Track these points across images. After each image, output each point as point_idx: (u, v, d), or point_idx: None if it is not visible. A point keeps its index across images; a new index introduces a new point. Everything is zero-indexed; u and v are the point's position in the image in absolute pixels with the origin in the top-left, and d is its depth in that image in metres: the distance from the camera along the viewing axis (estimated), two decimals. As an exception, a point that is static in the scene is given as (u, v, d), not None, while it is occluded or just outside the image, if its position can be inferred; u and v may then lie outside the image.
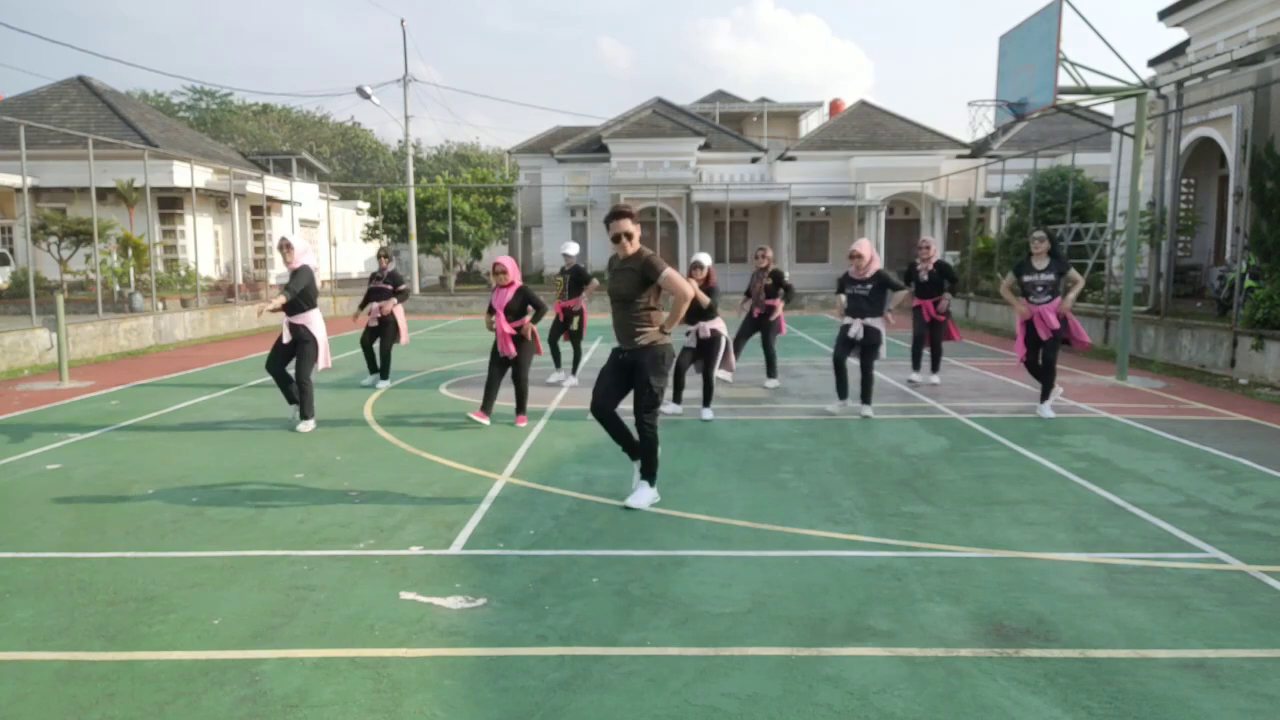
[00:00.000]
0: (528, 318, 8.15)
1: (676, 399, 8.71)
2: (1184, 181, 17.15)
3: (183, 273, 23.76)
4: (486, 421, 8.10)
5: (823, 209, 31.15)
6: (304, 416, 8.03)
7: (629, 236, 5.44)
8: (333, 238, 28.06)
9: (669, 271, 5.36)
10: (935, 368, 10.68)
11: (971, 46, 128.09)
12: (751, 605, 4.00)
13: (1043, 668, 3.40)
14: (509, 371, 8.29)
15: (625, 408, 5.55)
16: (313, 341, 8.03)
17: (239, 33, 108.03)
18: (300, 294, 7.93)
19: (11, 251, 25.74)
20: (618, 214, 5.47)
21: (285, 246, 8.00)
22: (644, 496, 5.55)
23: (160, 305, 18.02)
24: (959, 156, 30.11)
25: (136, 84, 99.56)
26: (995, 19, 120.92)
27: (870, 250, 8.54)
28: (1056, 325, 8.31)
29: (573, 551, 4.73)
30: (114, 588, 4.24)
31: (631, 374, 5.48)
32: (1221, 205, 17.66)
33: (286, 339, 7.98)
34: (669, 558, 4.62)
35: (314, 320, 8.06)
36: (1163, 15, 18.92)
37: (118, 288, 20.19)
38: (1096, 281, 16.40)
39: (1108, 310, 14.76)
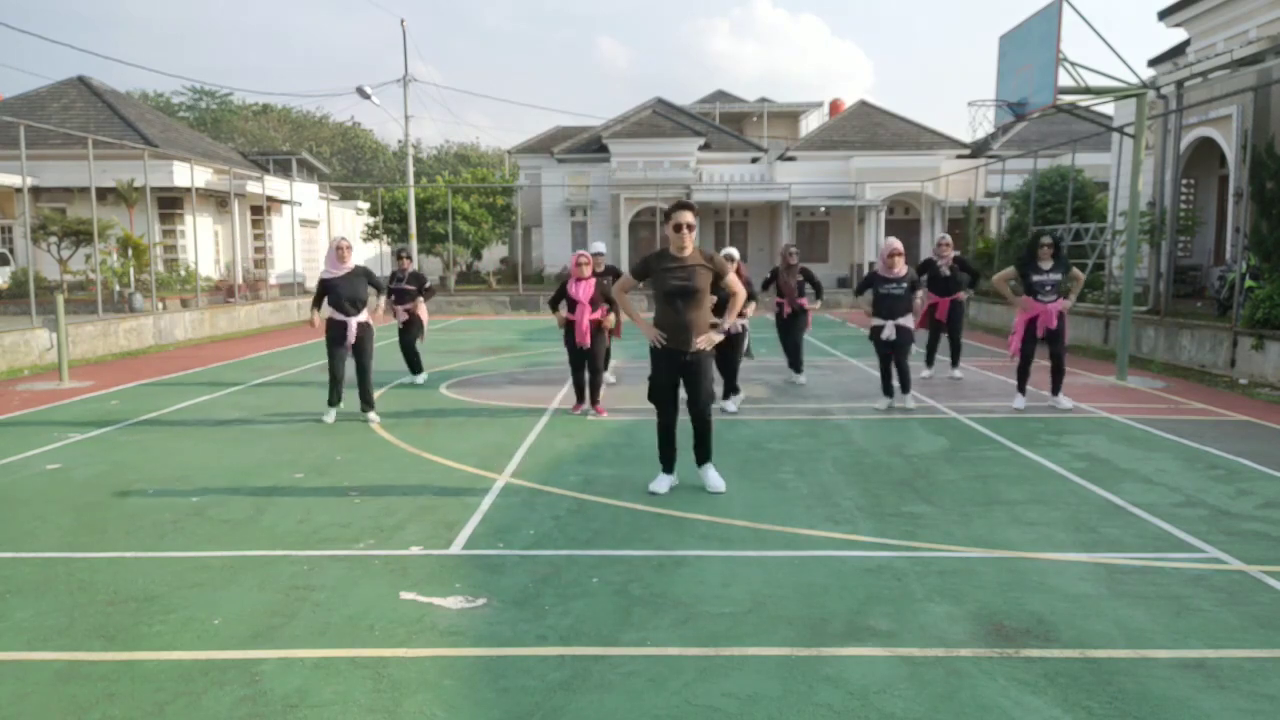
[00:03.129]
0: (605, 308, 8.53)
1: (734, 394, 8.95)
2: (1184, 181, 17.15)
3: (183, 273, 23.76)
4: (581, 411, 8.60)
5: (823, 209, 31.16)
6: (372, 406, 8.40)
7: (690, 228, 5.53)
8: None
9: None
10: (956, 362, 11.01)
11: (971, 46, 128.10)
12: (751, 605, 4.00)
13: (1043, 668, 3.40)
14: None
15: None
16: (373, 335, 8.41)
17: (239, 33, 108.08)
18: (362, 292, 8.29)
19: (11, 251, 25.73)
20: (684, 205, 5.56)
21: (348, 247, 8.27)
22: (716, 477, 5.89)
23: (160, 305, 18.02)
24: (959, 156, 30.12)
25: (136, 84, 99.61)
26: (995, 18, 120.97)
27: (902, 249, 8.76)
28: (1054, 325, 8.64)
29: (573, 551, 4.73)
30: (114, 588, 4.24)
31: (690, 374, 5.65)
32: (1221, 205, 17.65)
33: (354, 339, 8.19)
34: (669, 558, 4.62)
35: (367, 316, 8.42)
36: (1163, 15, 18.92)
37: (118, 288, 20.18)
38: (1096, 281, 16.40)
39: (1108, 310, 14.75)
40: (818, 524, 5.20)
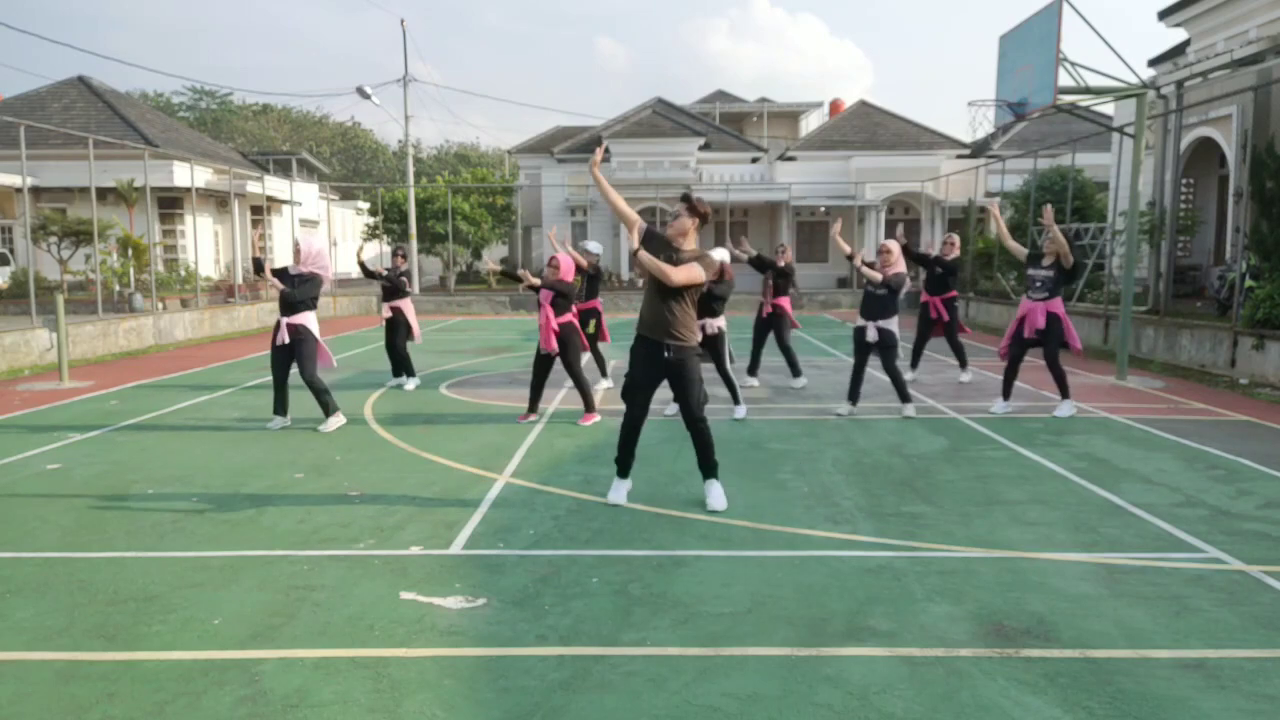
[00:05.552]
0: (567, 315, 8.32)
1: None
2: (1184, 181, 17.15)
3: (182, 273, 23.74)
4: (533, 419, 8.39)
5: (823, 209, 31.13)
6: (329, 413, 8.02)
7: (676, 216, 5.37)
8: (333, 238, 28.05)
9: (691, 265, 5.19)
10: (964, 365, 10.81)
11: (971, 46, 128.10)
12: (751, 605, 4.00)
13: (1043, 668, 3.40)
14: (552, 370, 8.55)
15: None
16: (310, 339, 7.92)
17: (239, 33, 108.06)
18: (305, 297, 7.91)
19: (12, 251, 25.73)
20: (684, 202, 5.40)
21: (296, 249, 8.05)
22: (718, 494, 5.54)
23: (160, 305, 18.01)
24: (959, 156, 30.08)
25: (137, 84, 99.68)
26: (995, 18, 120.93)
27: (900, 251, 8.54)
28: (1041, 325, 8.16)
29: (573, 551, 4.73)
30: (114, 588, 4.24)
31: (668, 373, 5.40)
32: (1221, 205, 17.65)
33: (283, 340, 7.84)
34: (669, 558, 4.62)
35: (311, 320, 7.95)
36: (1163, 15, 18.91)
37: (118, 288, 20.18)
38: (1096, 281, 16.40)
39: (1107, 310, 14.75)
40: (818, 524, 5.20)
